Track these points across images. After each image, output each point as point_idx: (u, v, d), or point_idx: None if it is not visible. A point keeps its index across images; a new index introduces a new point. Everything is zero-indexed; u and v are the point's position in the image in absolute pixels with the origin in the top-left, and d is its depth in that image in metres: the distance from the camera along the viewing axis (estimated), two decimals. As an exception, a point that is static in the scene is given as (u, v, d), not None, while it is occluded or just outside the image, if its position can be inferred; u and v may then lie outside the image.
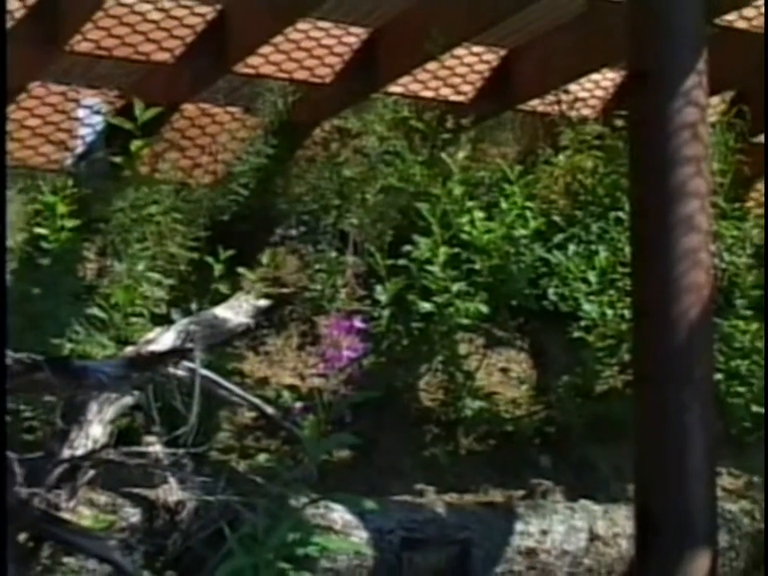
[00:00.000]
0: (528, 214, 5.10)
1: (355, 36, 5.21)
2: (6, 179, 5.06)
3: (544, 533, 3.87)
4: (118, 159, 5.00)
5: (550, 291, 5.08)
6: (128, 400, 3.67)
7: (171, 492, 3.39)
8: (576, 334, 5.00)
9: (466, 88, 5.48)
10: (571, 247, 5.15)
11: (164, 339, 4.15)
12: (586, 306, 4.95)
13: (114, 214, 5.07)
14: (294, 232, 5.60)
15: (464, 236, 4.95)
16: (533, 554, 3.82)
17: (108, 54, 4.90)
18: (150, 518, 3.38)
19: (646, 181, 3.50)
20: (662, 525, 3.23)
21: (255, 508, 2.99)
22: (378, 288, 4.89)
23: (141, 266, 4.74)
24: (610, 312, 4.92)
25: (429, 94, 5.46)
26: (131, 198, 5.04)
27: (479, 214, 5.01)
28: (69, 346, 4.36)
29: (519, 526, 3.86)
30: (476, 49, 5.39)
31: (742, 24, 4.83)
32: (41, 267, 4.70)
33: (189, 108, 5.63)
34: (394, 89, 5.41)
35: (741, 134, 5.42)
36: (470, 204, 5.04)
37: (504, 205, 5.08)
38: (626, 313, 4.67)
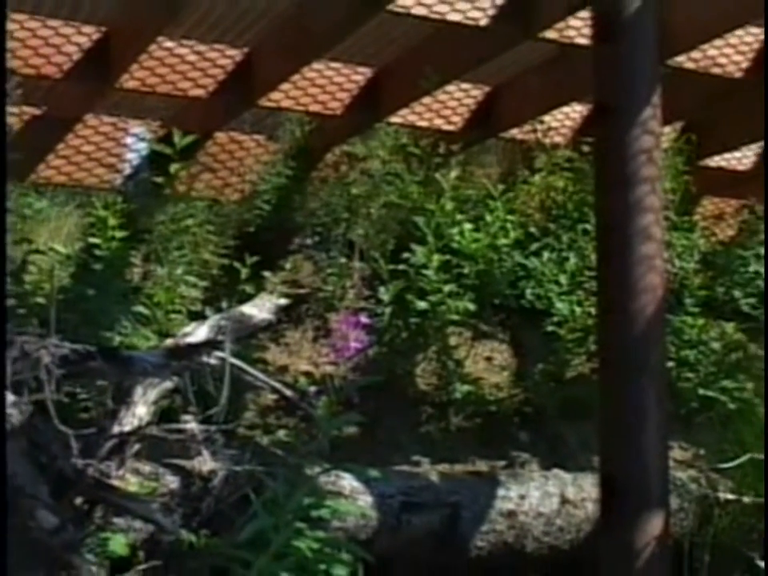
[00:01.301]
0: (509, 226, 5.10)
1: (361, 74, 5.20)
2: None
3: (522, 497, 3.85)
4: (159, 179, 5.01)
5: (528, 292, 5.09)
6: (168, 384, 3.66)
7: (205, 463, 3.38)
8: (549, 328, 5.00)
9: (456, 119, 5.48)
10: (545, 254, 5.15)
11: (199, 332, 4.15)
12: (558, 305, 4.95)
13: (156, 226, 5.07)
14: (309, 241, 5.60)
15: (454, 245, 4.95)
16: (513, 515, 3.81)
17: (152, 90, 4.90)
18: (187, 485, 3.38)
19: (609, 198, 3.49)
20: (622, 490, 3.22)
21: (276, 476, 2.98)
22: (381, 289, 4.88)
23: (179, 271, 4.74)
24: (578, 309, 4.92)
25: (424, 123, 5.46)
26: (171, 213, 5.04)
27: (467, 226, 5.00)
28: (118, 338, 4.36)
29: (501, 492, 3.85)
30: (464, 86, 5.38)
31: (690, 65, 4.82)
32: (94, 271, 4.69)
33: (220, 136, 5.63)
34: (394, 119, 5.40)
35: (689, 158, 5.42)
36: (459, 217, 5.04)
37: (488, 218, 5.08)
38: (592, 310, 4.67)
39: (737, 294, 5.53)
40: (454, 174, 5.22)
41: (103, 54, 4.65)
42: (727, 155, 5.89)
